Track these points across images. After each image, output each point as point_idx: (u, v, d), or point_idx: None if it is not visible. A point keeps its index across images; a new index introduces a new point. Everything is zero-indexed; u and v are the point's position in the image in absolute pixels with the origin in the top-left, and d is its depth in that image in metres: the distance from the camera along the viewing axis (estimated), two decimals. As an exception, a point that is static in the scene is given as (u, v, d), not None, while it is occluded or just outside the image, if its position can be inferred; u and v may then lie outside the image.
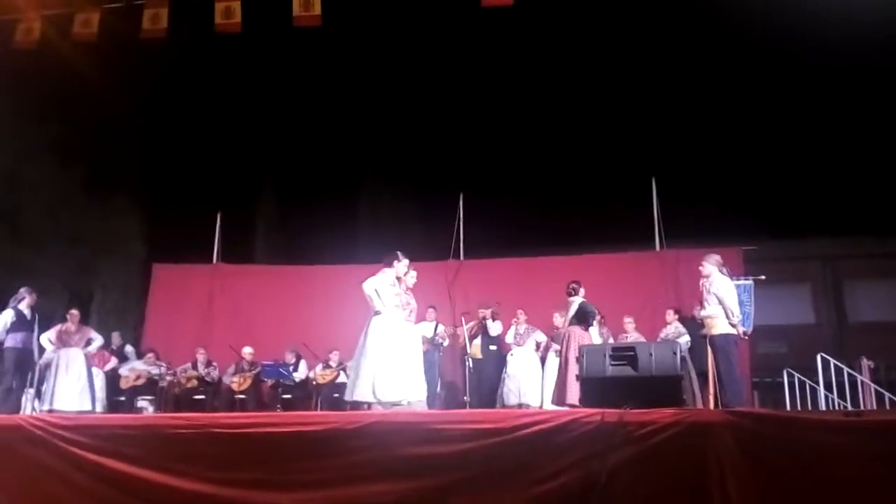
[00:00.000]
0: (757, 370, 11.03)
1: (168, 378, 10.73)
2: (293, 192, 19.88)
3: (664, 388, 6.10)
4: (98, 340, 9.93)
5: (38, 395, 9.36)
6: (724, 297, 7.05)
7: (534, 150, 19.35)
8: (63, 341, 9.48)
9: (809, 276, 18.93)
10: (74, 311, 9.88)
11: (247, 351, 10.76)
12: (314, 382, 10.58)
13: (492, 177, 18.41)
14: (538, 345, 9.89)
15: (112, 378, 10.61)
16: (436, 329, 10.02)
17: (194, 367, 10.77)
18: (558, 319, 9.39)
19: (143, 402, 10.65)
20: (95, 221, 17.54)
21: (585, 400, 6.48)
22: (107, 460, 5.94)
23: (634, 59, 18.29)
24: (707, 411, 6.39)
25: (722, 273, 7.28)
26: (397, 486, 5.40)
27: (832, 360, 9.77)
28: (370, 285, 7.25)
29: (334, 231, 18.46)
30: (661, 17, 17.08)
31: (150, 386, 10.66)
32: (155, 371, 10.73)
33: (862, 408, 9.41)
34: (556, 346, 9.16)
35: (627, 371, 6.26)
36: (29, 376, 9.17)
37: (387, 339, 7.11)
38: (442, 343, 10.03)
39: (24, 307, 9.18)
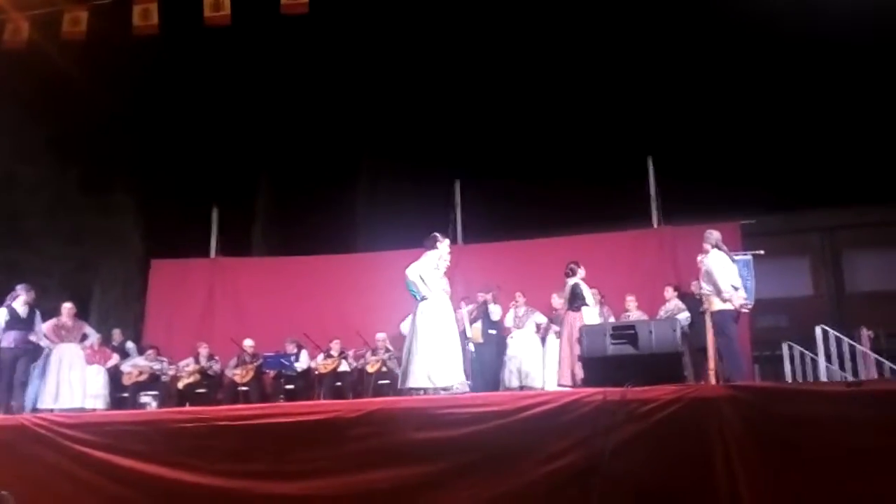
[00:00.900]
0: (757, 343, 11.05)
1: (170, 373, 10.76)
2: (288, 183, 19.77)
3: (665, 365, 6.15)
4: (93, 335, 9.79)
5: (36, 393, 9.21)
6: (715, 273, 7.05)
7: (528, 130, 19.26)
8: (59, 336, 9.28)
9: (808, 248, 18.90)
10: (68, 305, 9.55)
11: (248, 343, 10.77)
12: (316, 372, 10.60)
13: (488, 160, 18.34)
14: (538, 326, 9.89)
15: (114, 374, 10.61)
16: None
17: (196, 360, 10.79)
18: (557, 301, 9.41)
19: (146, 398, 10.62)
20: (92, 219, 17.47)
21: (587, 379, 6.52)
22: (113, 457, 5.99)
23: (627, 35, 18.16)
24: (708, 386, 6.39)
25: (721, 250, 7.29)
26: (403, 471, 5.45)
27: (832, 331, 9.78)
28: (414, 271, 7.10)
29: (331, 220, 18.42)
30: (654, -6, 16.94)
31: (153, 381, 10.67)
32: (157, 367, 10.75)
33: (862, 377, 9.42)
34: (555, 328, 9.19)
35: (628, 349, 6.31)
36: (27, 375, 8.98)
37: (437, 324, 6.98)
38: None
39: (18, 305, 8.77)
